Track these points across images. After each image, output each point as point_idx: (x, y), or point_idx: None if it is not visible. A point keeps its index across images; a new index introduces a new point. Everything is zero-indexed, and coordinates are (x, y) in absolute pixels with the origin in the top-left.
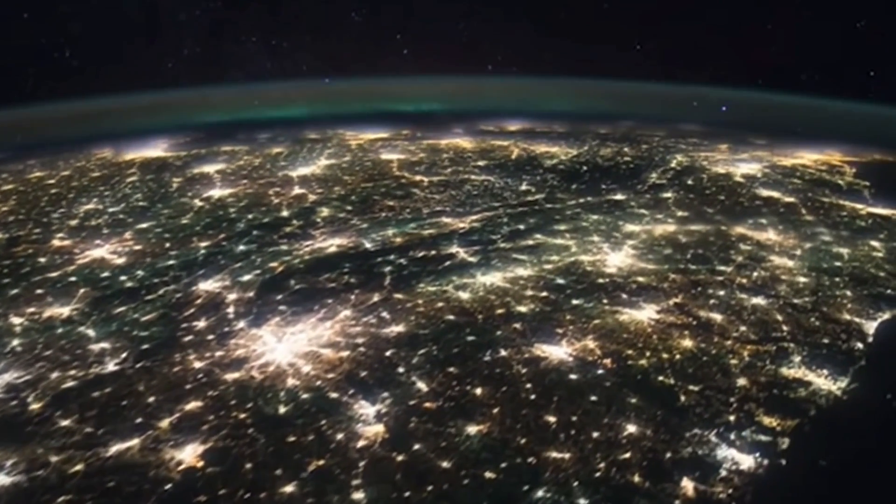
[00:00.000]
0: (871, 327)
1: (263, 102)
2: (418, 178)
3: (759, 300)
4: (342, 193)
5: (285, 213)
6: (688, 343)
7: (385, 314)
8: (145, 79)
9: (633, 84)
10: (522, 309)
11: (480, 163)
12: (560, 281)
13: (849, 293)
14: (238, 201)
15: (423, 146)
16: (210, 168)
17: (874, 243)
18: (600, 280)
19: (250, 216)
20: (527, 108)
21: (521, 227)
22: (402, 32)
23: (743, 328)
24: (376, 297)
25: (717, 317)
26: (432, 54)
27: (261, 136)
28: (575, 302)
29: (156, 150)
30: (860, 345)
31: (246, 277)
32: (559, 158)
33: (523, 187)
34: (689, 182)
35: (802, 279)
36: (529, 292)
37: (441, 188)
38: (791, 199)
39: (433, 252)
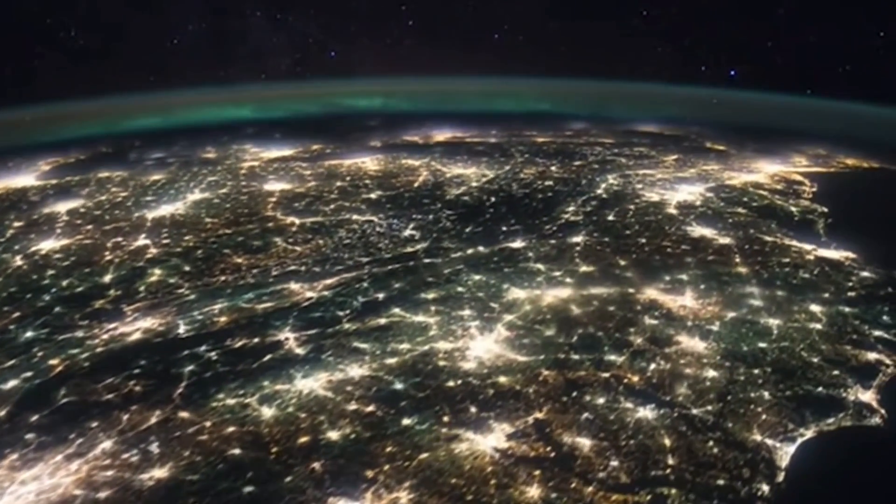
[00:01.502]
0: (785, 455)
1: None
2: (290, 220)
3: (647, 412)
4: (189, 246)
5: (108, 278)
6: (533, 493)
7: (155, 447)
8: (150, 58)
9: (610, 83)
10: (334, 436)
11: (374, 195)
12: (398, 385)
13: (767, 395)
14: (64, 258)
15: (321, 169)
16: (64, 206)
17: (814, 308)
18: (451, 383)
19: (66, 283)
20: (485, 107)
21: (382, 295)
22: (406, 4)
23: (614, 463)
24: (155, 418)
25: (586, 443)
26: (437, 24)
27: (153, 157)
28: (406, 421)
29: (29, 175)
30: (766, 488)
31: (10, 384)
32: (468, 186)
33: (408, 232)
34: (611, 218)
35: (712, 373)
36: (353, 405)
37: (310, 235)
38: (727, 241)
39: (257, 339)
